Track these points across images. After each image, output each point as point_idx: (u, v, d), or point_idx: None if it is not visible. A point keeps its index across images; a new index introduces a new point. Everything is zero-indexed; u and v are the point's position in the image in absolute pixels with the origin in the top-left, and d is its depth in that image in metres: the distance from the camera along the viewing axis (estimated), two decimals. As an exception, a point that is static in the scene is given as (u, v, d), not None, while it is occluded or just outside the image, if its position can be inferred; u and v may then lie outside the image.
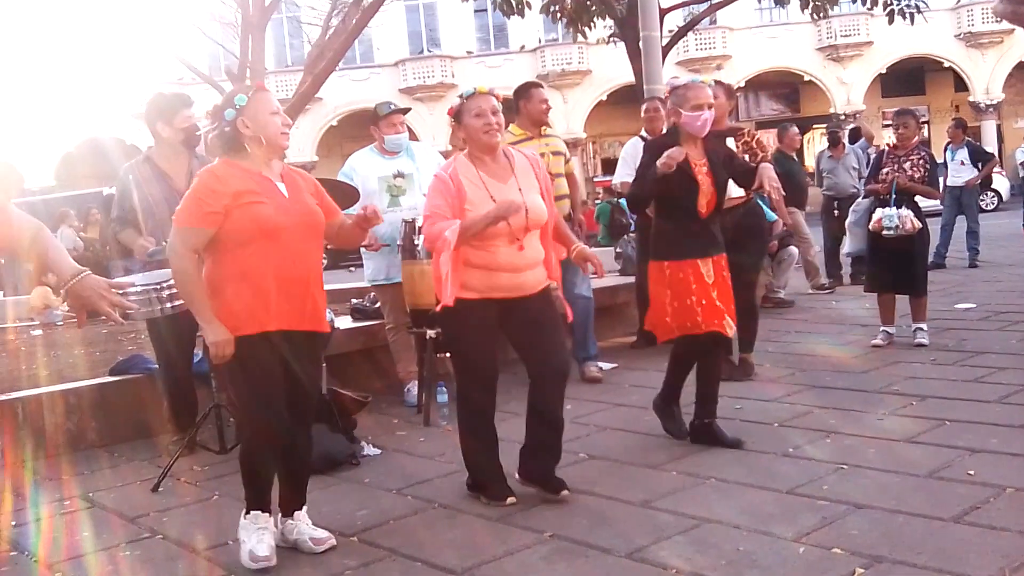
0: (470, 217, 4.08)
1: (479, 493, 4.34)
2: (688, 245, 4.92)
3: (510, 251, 4.15)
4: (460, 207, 4.11)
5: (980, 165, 12.94)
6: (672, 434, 5.14)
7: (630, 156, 7.87)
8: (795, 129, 11.26)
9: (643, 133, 7.91)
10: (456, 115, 4.25)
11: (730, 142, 6.23)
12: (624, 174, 7.85)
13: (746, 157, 6.12)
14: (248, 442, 3.85)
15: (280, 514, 3.92)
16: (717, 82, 6.71)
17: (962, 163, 12.85)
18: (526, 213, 4.14)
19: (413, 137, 7.65)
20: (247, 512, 3.80)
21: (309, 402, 3.92)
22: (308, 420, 3.95)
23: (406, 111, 6.65)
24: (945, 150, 13.35)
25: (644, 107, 7.99)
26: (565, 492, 4.22)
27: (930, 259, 9.02)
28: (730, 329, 4.98)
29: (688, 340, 4.97)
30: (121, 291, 5.17)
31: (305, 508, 3.95)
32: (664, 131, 5.69)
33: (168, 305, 5.07)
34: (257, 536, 3.74)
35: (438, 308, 4.20)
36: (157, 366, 5.88)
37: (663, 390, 5.24)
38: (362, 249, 6.62)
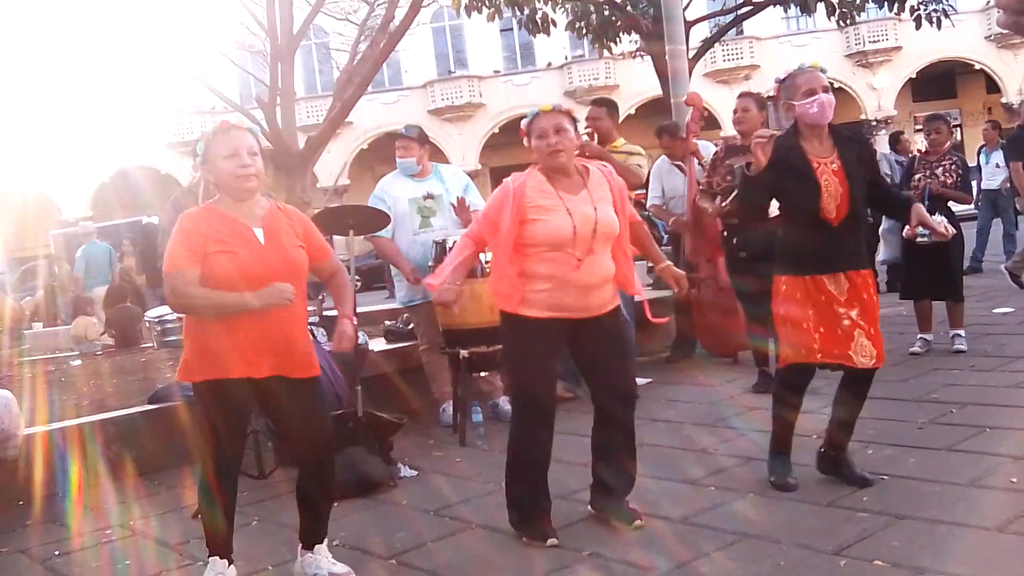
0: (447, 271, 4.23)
1: (518, 530, 4.11)
2: (812, 257, 4.25)
3: (574, 271, 3.98)
4: (506, 216, 4.01)
5: (1014, 168, 12.80)
6: (778, 487, 4.36)
7: (657, 174, 7.85)
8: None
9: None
10: (527, 137, 4.21)
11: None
12: (654, 196, 7.82)
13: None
14: (202, 484, 3.72)
15: (300, 546, 3.84)
16: (746, 93, 6.70)
17: (997, 166, 12.70)
18: (595, 225, 4.03)
19: (442, 158, 7.71)
20: (209, 555, 3.74)
21: (318, 442, 3.74)
22: (321, 457, 3.76)
23: (415, 140, 6.59)
24: (979, 153, 13.23)
25: (660, 140, 7.96)
26: (639, 522, 4.07)
27: (966, 264, 8.92)
28: (860, 359, 4.21)
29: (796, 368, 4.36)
30: (158, 319, 5.28)
31: (326, 542, 3.86)
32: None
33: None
34: None
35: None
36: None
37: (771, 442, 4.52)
38: (393, 271, 6.68)
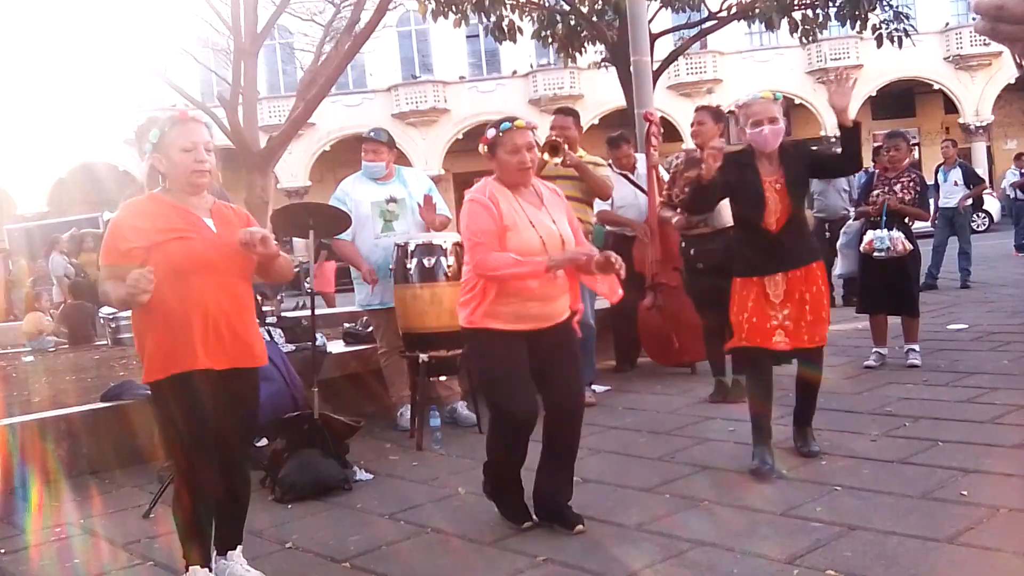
0: (555, 256, 3.99)
1: (496, 503, 4.33)
2: (755, 261, 4.85)
3: (546, 280, 4.03)
4: (504, 232, 4.01)
5: (972, 187, 13.00)
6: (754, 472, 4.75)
7: None
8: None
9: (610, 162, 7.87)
10: (490, 147, 4.14)
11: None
12: (603, 203, 7.80)
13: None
14: (180, 489, 3.61)
15: (215, 552, 3.72)
16: (703, 107, 6.75)
17: (955, 183, 12.90)
18: (562, 243, 4.08)
19: (406, 162, 7.70)
20: (186, 569, 3.61)
21: (237, 440, 3.70)
22: (239, 459, 3.73)
23: (385, 144, 6.58)
24: (936, 171, 13.41)
25: (619, 149, 7.95)
26: (581, 527, 4.09)
27: (922, 280, 9.03)
28: (783, 344, 4.80)
29: (739, 352, 5.01)
30: (111, 316, 5.21)
31: (240, 548, 3.78)
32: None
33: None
34: None
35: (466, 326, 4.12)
36: (149, 392, 5.86)
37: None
38: (353, 274, 6.63)
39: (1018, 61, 1.47)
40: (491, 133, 4.13)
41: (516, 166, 4.08)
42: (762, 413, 4.92)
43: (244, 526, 3.83)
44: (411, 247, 5.93)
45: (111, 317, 4.87)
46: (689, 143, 8.75)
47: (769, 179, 4.80)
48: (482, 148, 4.18)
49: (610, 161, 7.86)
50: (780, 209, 4.78)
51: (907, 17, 16.96)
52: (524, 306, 4.03)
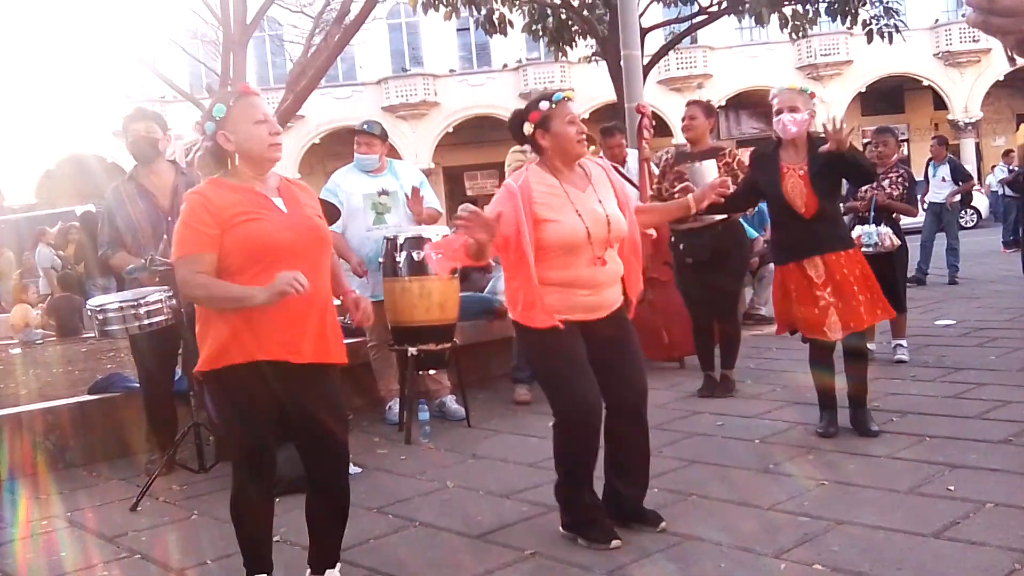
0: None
1: (576, 534, 3.90)
2: (790, 248, 5.15)
3: (591, 268, 3.83)
4: (524, 218, 3.73)
5: (961, 183, 13.05)
6: (820, 434, 5.21)
7: None
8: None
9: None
10: (542, 121, 3.85)
11: (712, 163, 6.27)
12: None
13: (728, 178, 6.18)
14: (236, 487, 3.35)
15: (309, 570, 3.51)
16: (694, 101, 6.76)
17: (944, 179, 12.95)
18: (608, 225, 3.83)
19: (396, 155, 7.72)
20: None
21: (332, 445, 3.35)
22: (336, 466, 3.41)
23: (378, 137, 6.56)
24: (927, 167, 13.45)
25: (612, 139, 7.96)
26: (664, 524, 3.93)
27: (910, 276, 9.06)
28: (833, 333, 5.06)
29: (810, 342, 5.23)
30: (99, 308, 5.18)
31: (339, 566, 3.52)
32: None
33: (145, 322, 5.06)
34: None
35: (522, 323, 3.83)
36: (137, 384, 5.86)
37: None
38: (343, 266, 6.62)
39: (1009, 54, 1.47)
40: (544, 105, 3.86)
41: (576, 136, 3.85)
42: (825, 390, 5.30)
43: (340, 543, 3.55)
44: (400, 240, 5.93)
45: (99, 309, 4.78)
46: (679, 138, 8.76)
47: (792, 167, 5.09)
48: (528, 128, 3.89)
49: (601, 152, 7.87)
50: (807, 195, 5.05)
51: (897, 13, 16.98)
52: (571, 294, 3.81)
